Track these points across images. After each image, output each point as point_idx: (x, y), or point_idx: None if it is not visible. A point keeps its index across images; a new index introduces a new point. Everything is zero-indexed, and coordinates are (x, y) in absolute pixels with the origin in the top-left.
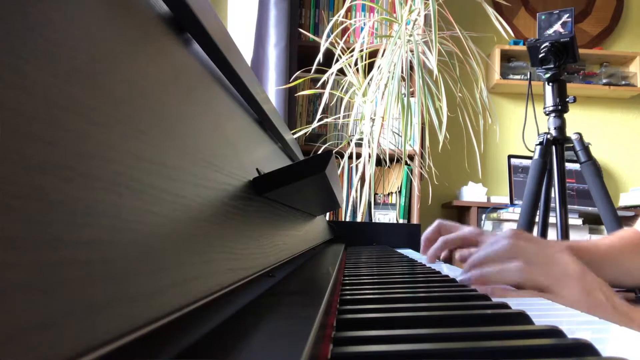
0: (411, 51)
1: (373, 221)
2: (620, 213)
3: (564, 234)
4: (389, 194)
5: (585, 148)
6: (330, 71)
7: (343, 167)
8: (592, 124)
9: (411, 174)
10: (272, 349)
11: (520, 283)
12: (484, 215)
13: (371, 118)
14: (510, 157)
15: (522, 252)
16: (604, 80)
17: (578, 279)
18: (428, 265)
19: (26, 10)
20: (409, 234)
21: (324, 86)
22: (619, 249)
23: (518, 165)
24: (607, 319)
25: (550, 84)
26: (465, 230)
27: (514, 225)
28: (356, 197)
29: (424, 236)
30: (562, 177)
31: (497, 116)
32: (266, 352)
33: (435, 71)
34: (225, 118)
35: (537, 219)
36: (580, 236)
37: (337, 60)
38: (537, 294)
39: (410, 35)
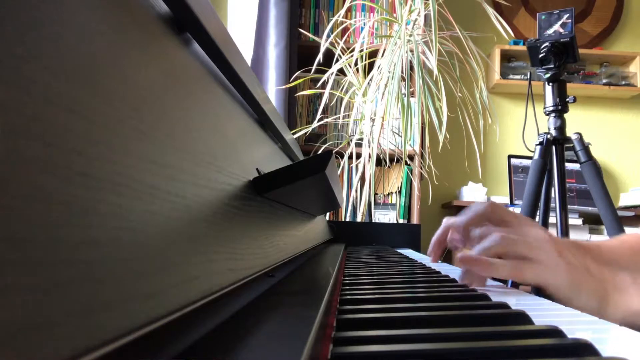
0: (411, 51)
1: (373, 221)
2: (620, 213)
3: (564, 234)
4: (389, 194)
5: (585, 148)
6: (330, 71)
7: (343, 167)
8: (592, 124)
9: (411, 174)
10: (272, 349)
11: (503, 253)
12: None
13: (371, 118)
14: (510, 157)
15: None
16: (604, 80)
17: (551, 242)
18: (428, 265)
19: (26, 10)
20: (409, 234)
21: (324, 86)
22: (614, 249)
23: (518, 165)
24: (579, 281)
25: (550, 84)
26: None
27: None
28: (356, 197)
29: (434, 239)
30: (562, 177)
31: (497, 116)
32: (266, 352)
33: (435, 71)
34: (225, 118)
35: (537, 219)
36: (580, 236)
37: (337, 60)
38: (517, 263)
39: (410, 35)
